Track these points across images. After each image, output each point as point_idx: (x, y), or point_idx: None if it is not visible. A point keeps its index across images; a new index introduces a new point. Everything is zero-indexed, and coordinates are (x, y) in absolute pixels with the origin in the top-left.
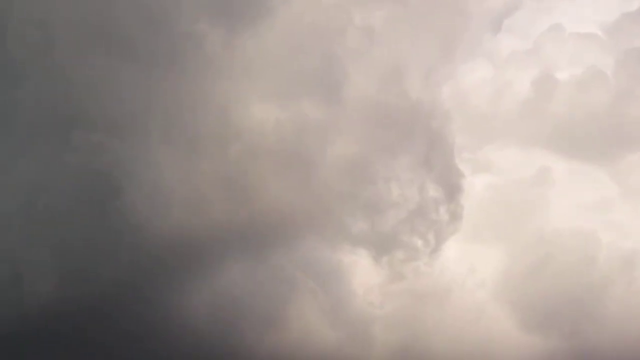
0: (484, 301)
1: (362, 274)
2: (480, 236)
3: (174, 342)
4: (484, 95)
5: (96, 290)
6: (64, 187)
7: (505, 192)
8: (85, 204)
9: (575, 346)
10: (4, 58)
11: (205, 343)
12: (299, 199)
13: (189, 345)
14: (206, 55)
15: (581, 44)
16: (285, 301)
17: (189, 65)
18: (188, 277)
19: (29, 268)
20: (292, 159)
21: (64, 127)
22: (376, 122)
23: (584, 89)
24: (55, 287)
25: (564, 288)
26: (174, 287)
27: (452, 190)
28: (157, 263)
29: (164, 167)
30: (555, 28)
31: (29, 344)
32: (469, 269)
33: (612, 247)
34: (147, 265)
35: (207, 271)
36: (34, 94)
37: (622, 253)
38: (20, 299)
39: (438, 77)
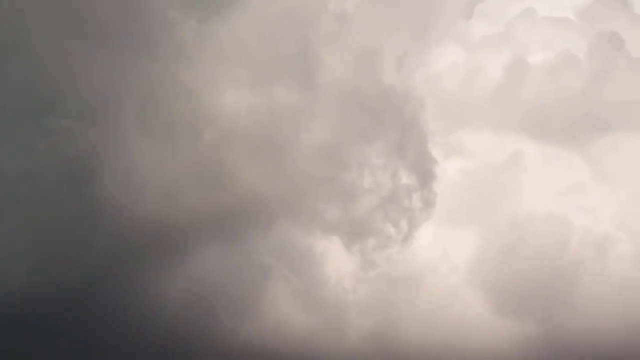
0: (457, 286)
1: (335, 260)
2: (453, 221)
3: (148, 328)
4: (456, 79)
5: (70, 277)
6: (39, 174)
7: (477, 177)
8: (60, 190)
9: (549, 330)
10: None
11: (180, 329)
12: (272, 184)
13: (163, 331)
14: (179, 41)
15: (554, 28)
16: (259, 287)
17: (162, 52)
18: (162, 263)
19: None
20: (265, 145)
21: (38, 113)
22: (350, 107)
23: (557, 73)
24: (30, 273)
25: (537, 272)
26: (148, 274)
27: (425, 177)
28: (132, 249)
29: (138, 153)
30: (527, 12)
31: (3, 329)
32: (442, 253)
33: (584, 231)
34: (121, 251)
35: (181, 258)
36: (8, 80)
37: (594, 237)
38: None
39: (411, 63)
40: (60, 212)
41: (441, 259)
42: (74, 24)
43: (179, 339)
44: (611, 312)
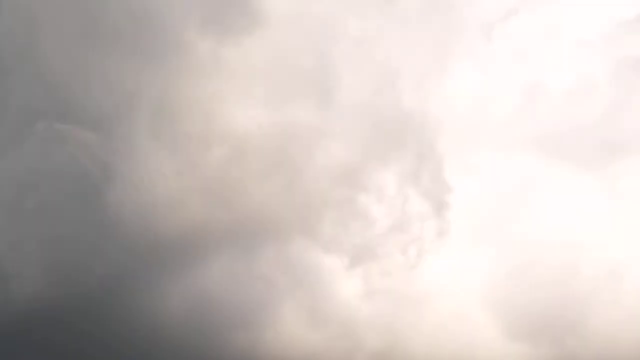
0: (468, 309)
1: (343, 280)
2: (466, 243)
3: (152, 340)
4: (473, 101)
5: (78, 288)
6: (49, 182)
7: (491, 200)
8: (71, 200)
9: (560, 355)
10: None
11: (185, 343)
12: (284, 202)
13: (167, 345)
14: (196, 56)
15: (576, 52)
16: (266, 304)
17: (178, 65)
18: (169, 277)
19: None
20: (278, 163)
21: (52, 122)
22: (367, 129)
23: (576, 97)
24: (41, 286)
25: (549, 297)
26: (155, 287)
27: (439, 205)
28: (141, 262)
29: (149, 164)
30: (549, 35)
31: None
32: (453, 275)
33: (599, 256)
34: (130, 263)
35: (189, 271)
36: (21, 89)
37: (609, 263)
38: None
39: (430, 85)
40: (71, 222)
41: (452, 281)
42: (89, 33)
43: (184, 354)
44: (624, 338)
